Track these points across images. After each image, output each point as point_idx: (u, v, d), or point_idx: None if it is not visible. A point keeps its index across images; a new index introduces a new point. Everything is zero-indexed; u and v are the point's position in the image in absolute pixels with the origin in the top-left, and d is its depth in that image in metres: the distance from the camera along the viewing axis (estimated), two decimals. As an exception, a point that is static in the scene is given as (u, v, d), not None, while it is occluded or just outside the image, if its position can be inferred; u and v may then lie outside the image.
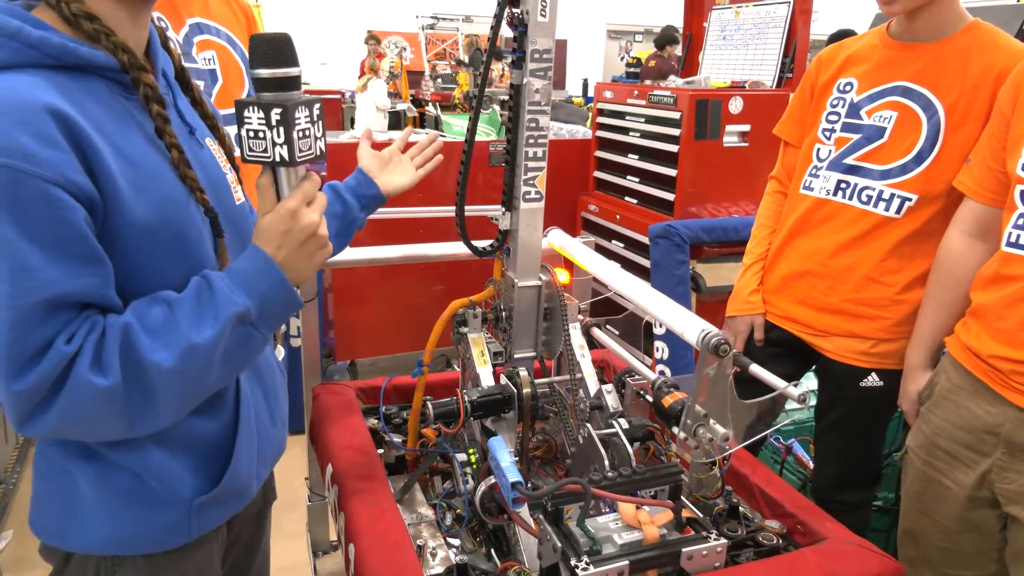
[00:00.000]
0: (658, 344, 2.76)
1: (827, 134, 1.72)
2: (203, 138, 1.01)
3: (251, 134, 0.85)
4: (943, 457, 1.41)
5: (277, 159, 0.86)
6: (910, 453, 1.51)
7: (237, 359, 0.91)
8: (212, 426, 0.98)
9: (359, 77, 8.59)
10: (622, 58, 14.81)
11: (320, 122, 0.90)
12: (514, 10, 1.26)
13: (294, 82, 0.87)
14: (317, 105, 0.88)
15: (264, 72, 0.84)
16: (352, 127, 8.61)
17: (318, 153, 0.90)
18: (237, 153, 0.98)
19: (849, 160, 1.67)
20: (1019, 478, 1.28)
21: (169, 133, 0.89)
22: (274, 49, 0.84)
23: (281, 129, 0.84)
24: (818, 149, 1.74)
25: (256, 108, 0.84)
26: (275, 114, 0.83)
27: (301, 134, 0.86)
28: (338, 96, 9.79)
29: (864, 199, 1.65)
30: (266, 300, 0.89)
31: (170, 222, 0.88)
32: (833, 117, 1.71)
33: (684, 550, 1.01)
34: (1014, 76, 1.36)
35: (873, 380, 1.70)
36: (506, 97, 1.34)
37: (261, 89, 0.85)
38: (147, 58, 0.94)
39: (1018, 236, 1.27)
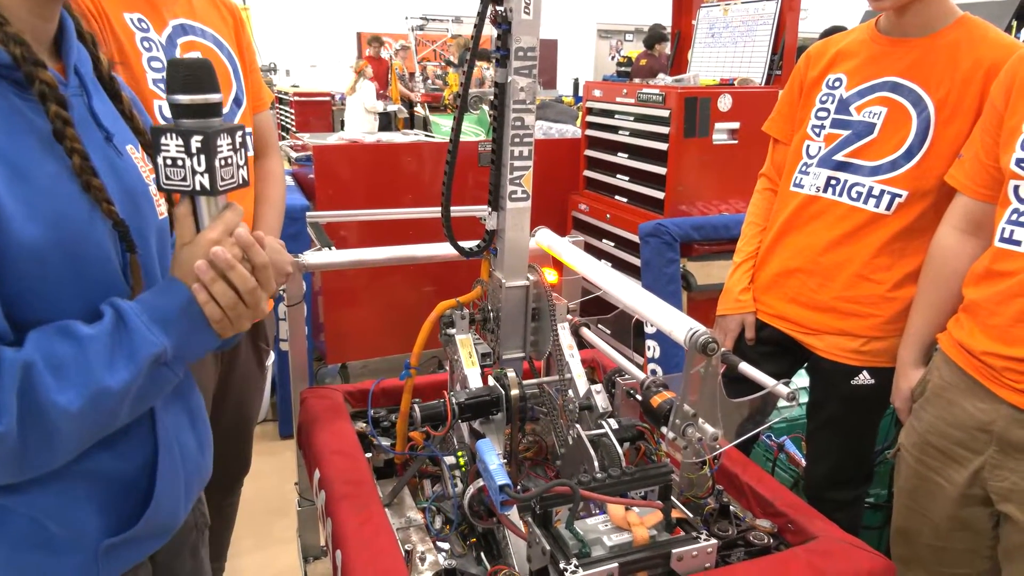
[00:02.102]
0: (649, 343, 2.75)
1: (816, 130, 1.72)
2: (123, 145, 0.91)
3: (168, 161, 0.82)
4: (935, 455, 1.40)
5: (197, 188, 0.82)
6: (903, 451, 1.50)
7: (148, 399, 0.86)
8: (122, 461, 0.88)
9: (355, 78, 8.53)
10: (613, 57, 14.84)
11: (243, 150, 0.86)
12: (497, 8, 1.24)
13: (214, 109, 0.83)
14: (240, 132, 0.85)
15: (183, 98, 0.81)
16: (342, 129, 8.59)
17: (241, 182, 0.86)
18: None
19: (839, 156, 1.66)
20: (1012, 476, 1.27)
21: (70, 137, 0.80)
22: (193, 75, 0.81)
23: (202, 157, 0.81)
24: (808, 146, 1.73)
25: (174, 135, 0.80)
26: (195, 141, 0.80)
27: (223, 162, 0.83)
28: (327, 98, 9.79)
29: (854, 195, 1.64)
30: (183, 339, 0.84)
31: (66, 241, 0.78)
32: (822, 113, 1.71)
33: (674, 551, 1.01)
34: (1007, 70, 1.36)
35: (864, 378, 1.70)
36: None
37: (179, 116, 0.82)
38: (55, 54, 0.86)
39: (1012, 232, 1.26)
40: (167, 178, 0.82)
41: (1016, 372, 1.24)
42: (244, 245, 0.86)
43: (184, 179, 0.82)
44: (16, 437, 0.72)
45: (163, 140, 0.81)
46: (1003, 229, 1.28)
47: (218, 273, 0.84)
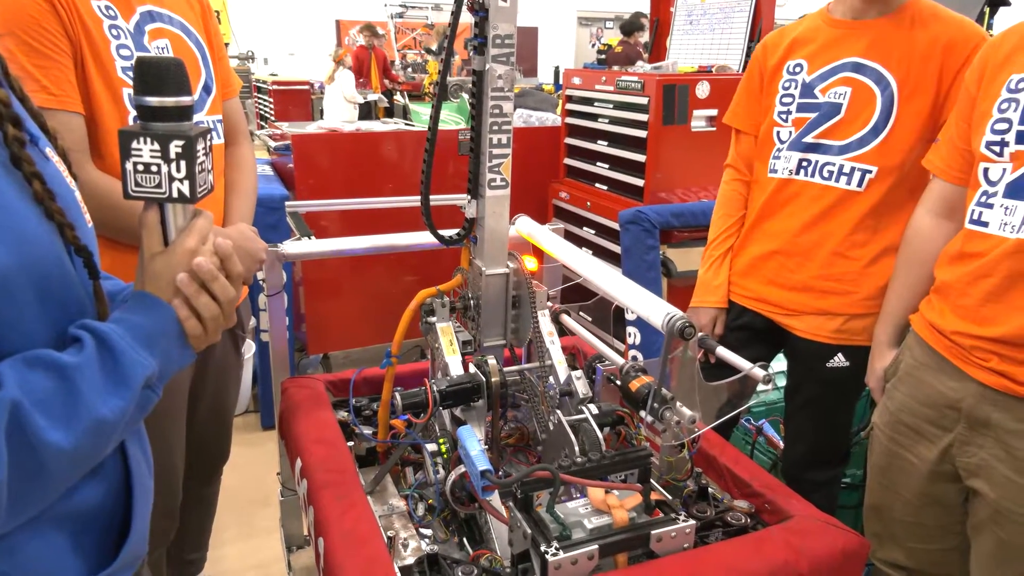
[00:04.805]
0: (630, 329, 2.77)
1: (784, 116, 1.74)
2: (45, 148, 0.83)
3: (140, 167, 0.76)
4: (907, 432, 1.44)
5: (175, 195, 0.78)
6: (875, 429, 1.53)
7: (133, 424, 0.80)
8: (99, 495, 0.81)
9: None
10: (593, 45, 14.81)
11: (211, 154, 0.83)
12: (474, -5, 1.24)
13: (187, 112, 0.79)
14: (209, 135, 0.82)
15: (153, 100, 0.77)
16: (321, 118, 8.51)
17: (210, 188, 0.83)
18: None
19: (808, 139, 1.69)
20: (979, 452, 1.30)
21: (27, 160, 0.73)
22: (165, 75, 0.77)
23: (182, 163, 0.77)
24: (778, 132, 1.76)
25: (148, 140, 0.76)
26: (175, 147, 0.76)
27: (200, 167, 0.79)
28: (307, 87, 9.70)
29: (826, 175, 1.68)
30: (167, 358, 0.79)
31: (31, 264, 0.71)
32: (787, 99, 1.74)
33: (653, 532, 1.02)
34: (979, 57, 1.39)
35: (839, 360, 1.73)
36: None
37: (148, 119, 0.77)
38: None
39: (980, 213, 1.29)
40: (136, 185, 0.78)
41: (984, 351, 1.27)
42: (224, 255, 0.83)
43: (159, 186, 0.77)
44: (5, 485, 0.65)
45: (134, 145, 0.76)
46: (972, 211, 1.31)
47: (200, 285, 0.80)
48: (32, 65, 1.26)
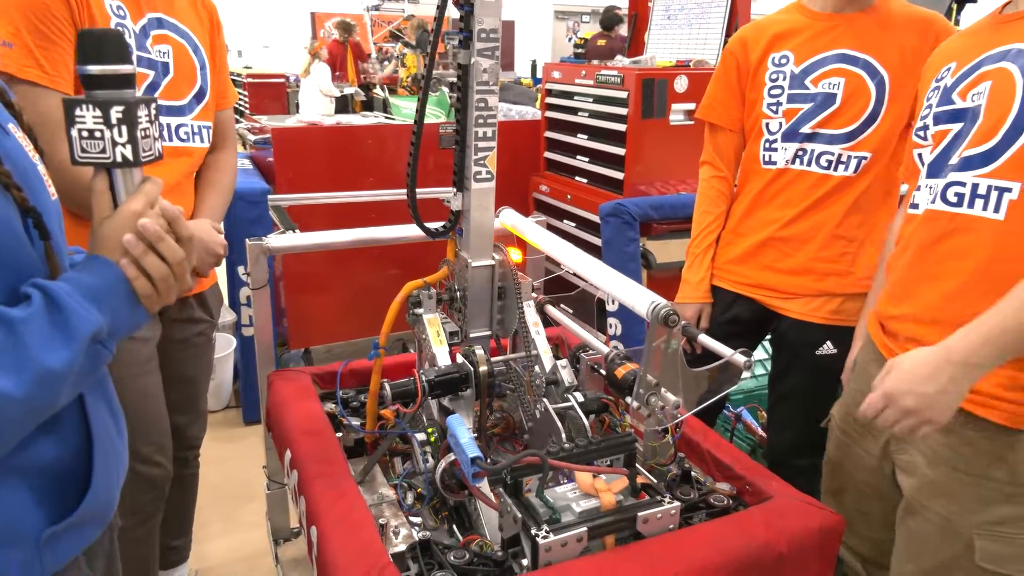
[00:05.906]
0: (611, 321, 2.81)
1: (773, 108, 1.76)
2: (6, 123, 0.85)
3: (84, 134, 0.80)
4: (855, 426, 1.47)
5: (119, 159, 0.81)
6: (832, 421, 1.57)
7: (86, 380, 0.84)
8: (57, 448, 0.85)
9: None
10: (570, 39, 14.82)
11: (157, 122, 0.86)
12: (459, -10, 1.26)
13: (128, 80, 0.82)
14: (154, 104, 0.85)
15: (94, 69, 0.80)
16: (298, 111, 8.44)
17: (157, 154, 0.86)
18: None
19: (805, 129, 1.72)
20: (910, 449, 1.32)
21: None
22: (105, 45, 0.80)
23: (123, 128, 0.80)
24: (767, 123, 1.78)
25: (90, 107, 0.79)
26: (116, 112, 0.80)
27: (143, 133, 0.82)
28: (282, 80, 9.60)
29: (823, 164, 1.72)
30: (116, 316, 0.82)
31: None
32: (776, 90, 1.76)
33: (639, 514, 1.06)
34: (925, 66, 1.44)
35: (828, 348, 1.77)
36: (454, 79, 1.35)
37: (91, 87, 0.80)
38: None
39: (914, 197, 1.34)
40: (83, 151, 0.81)
41: (914, 341, 1.28)
42: (170, 217, 0.86)
43: (103, 151, 0.81)
44: None
45: (78, 112, 0.79)
46: (913, 195, 1.35)
47: (147, 245, 0.83)
48: (34, 44, 1.34)
